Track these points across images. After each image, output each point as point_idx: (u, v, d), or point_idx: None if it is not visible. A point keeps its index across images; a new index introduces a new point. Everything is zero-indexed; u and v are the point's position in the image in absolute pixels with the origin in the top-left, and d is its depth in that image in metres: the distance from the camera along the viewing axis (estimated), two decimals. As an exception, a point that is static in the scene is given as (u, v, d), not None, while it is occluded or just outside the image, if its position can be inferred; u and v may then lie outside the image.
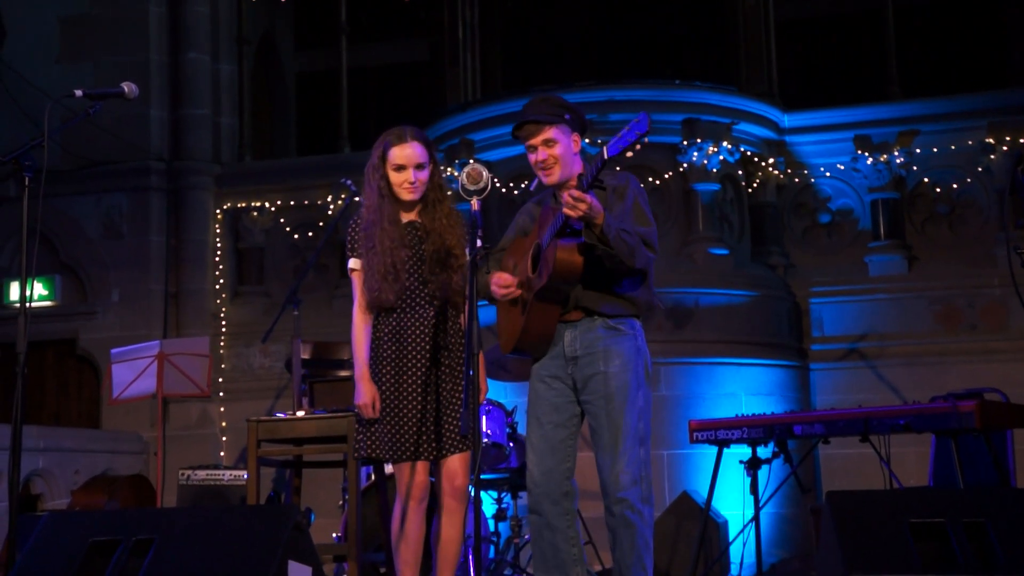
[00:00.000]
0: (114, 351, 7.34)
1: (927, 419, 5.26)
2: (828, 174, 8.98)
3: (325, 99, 10.79)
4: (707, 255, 8.35)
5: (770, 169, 8.87)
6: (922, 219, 8.86)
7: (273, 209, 9.87)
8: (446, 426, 4.25)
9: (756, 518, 6.01)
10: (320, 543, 4.65)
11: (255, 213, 9.87)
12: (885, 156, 8.70)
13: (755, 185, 8.87)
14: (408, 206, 4.36)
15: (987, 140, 8.55)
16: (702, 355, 8.09)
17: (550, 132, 4.15)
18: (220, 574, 3.61)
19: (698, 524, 6.21)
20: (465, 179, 3.90)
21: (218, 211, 9.93)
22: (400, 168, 4.29)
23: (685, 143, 8.39)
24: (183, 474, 7.45)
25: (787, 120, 8.93)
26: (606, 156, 3.78)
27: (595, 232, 3.91)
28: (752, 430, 5.71)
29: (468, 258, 3.87)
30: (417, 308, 4.29)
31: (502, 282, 4.19)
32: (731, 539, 6.87)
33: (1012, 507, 3.67)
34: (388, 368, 4.27)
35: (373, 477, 6.23)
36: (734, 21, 9.23)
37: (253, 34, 10.66)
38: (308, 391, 5.85)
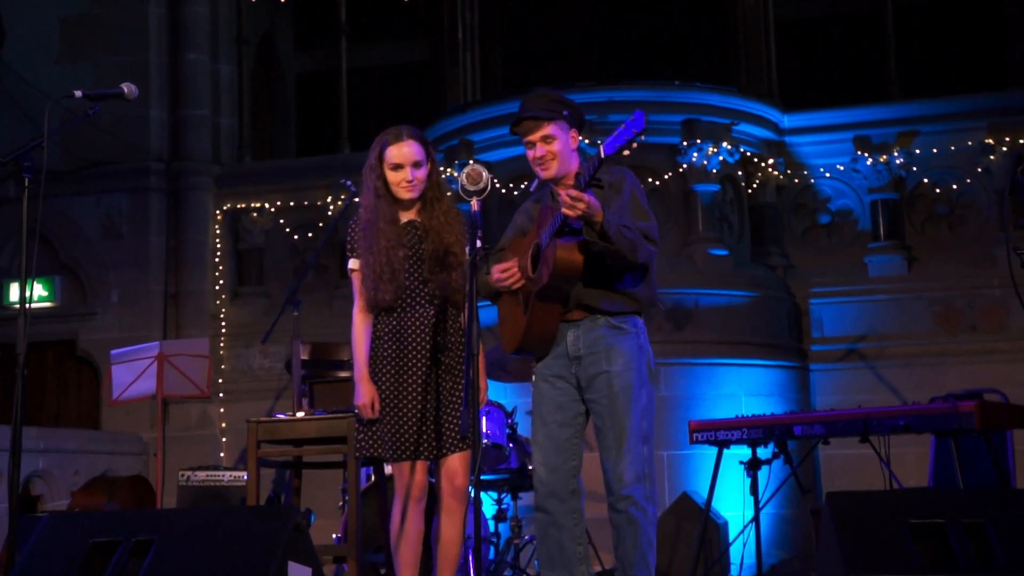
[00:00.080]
0: (114, 352, 7.34)
1: (927, 420, 5.26)
2: (828, 175, 8.98)
3: (325, 99, 10.79)
4: (707, 256, 8.35)
5: (770, 170, 8.87)
6: (922, 220, 8.87)
7: (273, 210, 9.87)
8: (446, 426, 4.25)
9: (756, 519, 6.01)
10: (320, 544, 4.65)
11: (255, 214, 9.87)
12: (885, 157, 8.71)
13: (755, 186, 8.87)
14: (407, 205, 4.36)
15: (987, 141, 8.55)
16: (702, 356, 8.09)
17: (548, 128, 4.16)
18: (220, 575, 3.61)
19: (698, 525, 6.20)
20: (465, 180, 3.90)
21: (218, 212, 9.92)
22: (397, 167, 4.29)
23: (685, 144, 8.39)
24: (183, 475, 7.44)
25: (787, 121, 8.93)
26: (603, 155, 3.79)
27: (595, 230, 3.91)
28: (752, 431, 5.71)
29: (468, 258, 3.87)
30: (417, 307, 4.29)
31: (501, 267, 4.20)
32: (731, 540, 6.87)
33: (1012, 508, 3.67)
34: (388, 368, 4.27)
35: (373, 478, 6.22)
36: (734, 21, 9.23)
37: (253, 34, 10.66)
38: (308, 392, 5.85)
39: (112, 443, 9.07)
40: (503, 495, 6.54)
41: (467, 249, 3.95)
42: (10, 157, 3.97)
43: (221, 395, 9.47)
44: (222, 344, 9.69)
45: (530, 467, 6.18)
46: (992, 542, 3.54)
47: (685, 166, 8.41)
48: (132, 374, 7.11)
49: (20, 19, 10.16)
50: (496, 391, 7.18)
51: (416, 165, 4.29)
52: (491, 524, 6.51)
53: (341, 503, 6.66)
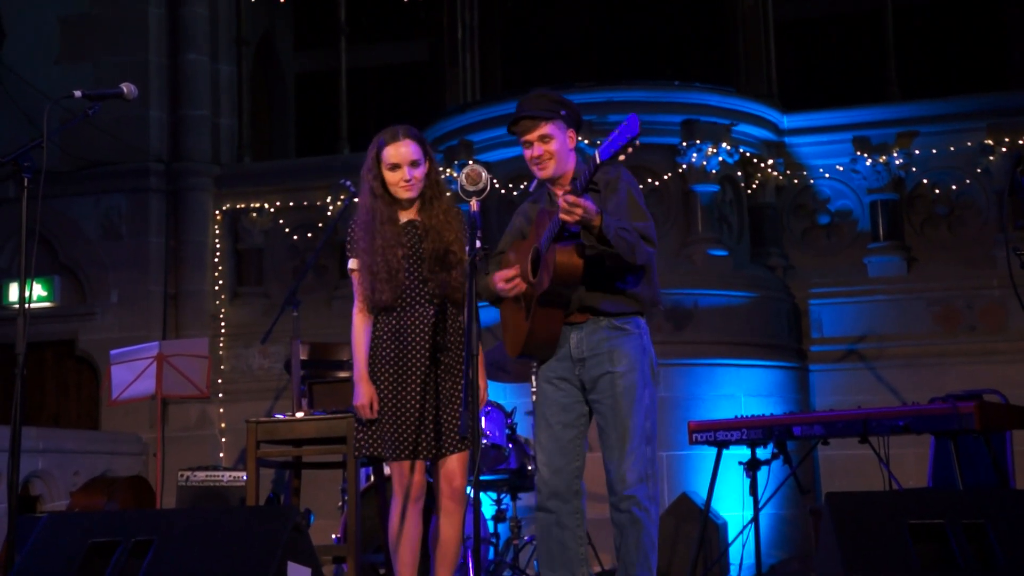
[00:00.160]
0: (113, 352, 7.34)
1: (926, 420, 5.26)
2: (827, 175, 8.98)
3: (324, 100, 10.79)
4: (706, 256, 8.35)
5: (769, 170, 8.87)
6: (921, 220, 8.87)
7: (272, 210, 9.87)
8: (445, 426, 4.25)
9: (755, 519, 6.01)
10: (319, 544, 4.65)
11: (254, 214, 9.87)
12: (884, 157, 8.71)
13: (754, 186, 8.87)
14: (407, 205, 4.36)
15: (986, 141, 8.56)
16: (701, 356, 8.09)
17: (546, 128, 4.16)
18: (219, 575, 3.61)
19: (697, 525, 6.20)
20: (464, 180, 3.90)
21: (217, 212, 9.92)
22: (395, 167, 4.29)
23: (684, 144, 8.39)
24: (182, 475, 7.45)
25: (786, 121, 8.93)
26: (598, 160, 3.80)
27: (593, 234, 3.91)
28: (751, 431, 5.70)
29: (468, 258, 3.87)
30: (417, 307, 4.29)
31: (505, 276, 4.20)
32: (730, 540, 6.87)
33: (1011, 508, 3.67)
34: (388, 368, 4.27)
35: (372, 478, 6.22)
36: (733, 22, 9.23)
37: (252, 35, 10.66)
38: (307, 392, 5.85)
39: (111, 443, 9.07)
40: (502, 495, 6.54)
41: (467, 249, 3.95)
42: (10, 157, 3.96)
43: (220, 395, 9.47)
44: (221, 344, 9.69)
45: (530, 468, 6.18)
46: (992, 543, 3.54)
47: (684, 166, 8.42)
48: (131, 374, 7.11)
49: (20, 19, 10.15)
50: (495, 391, 7.18)
51: (414, 164, 4.29)
52: (490, 524, 6.51)
53: (340, 503, 6.65)
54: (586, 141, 7.98)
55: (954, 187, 8.73)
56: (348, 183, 5.57)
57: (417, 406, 4.24)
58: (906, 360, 8.42)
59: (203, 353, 7.28)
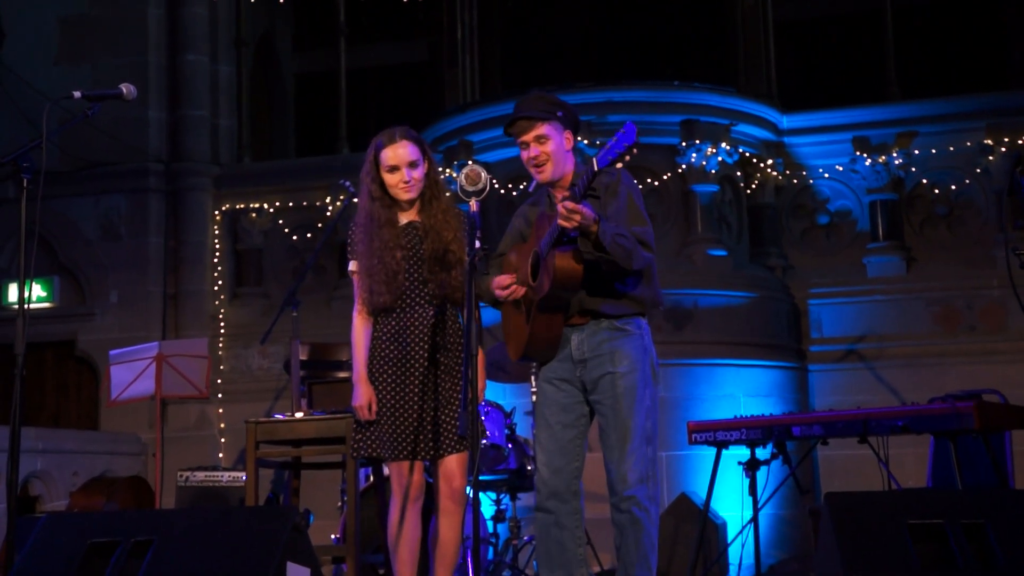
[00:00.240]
0: (113, 352, 7.33)
1: (926, 420, 5.26)
2: (827, 175, 8.99)
3: (324, 100, 10.79)
4: (706, 256, 8.35)
5: (769, 170, 8.87)
6: (920, 220, 8.87)
7: (272, 210, 9.86)
8: (444, 426, 4.25)
9: (755, 519, 6.01)
10: (319, 544, 4.65)
11: (254, 214, 9.87)
12: (884, 157, 8.71)
13: (754, 186, 8.87)
14: (407, 206, 4.36)
15: (986, 141, 8.56)
16: (701, 356, 8.09)
17: (542, 128, 4.16)
18: (219, 575, 3.61)
19: (697, 525, 6.20)
20: (464, 180, 3.90)
21: (216, 212, 9.92)
22: (393, 169, 4.29)
23: (684, 144, 8.39)
24: (182, 475, 7.45)
25: (786, 121, 8.93)
26: (596, 168, 3.80)
27: (591, 240, 3.92)
28: (751, 431, 5.70)
29: (467, 258, 3.87)
30: (416, 308, 4.29)
31: (502, 283, 4.21)
32: (730, 540, 6.87)
33: (1011, 508, 3.67)
34: (388, 369, 4.28)
35: (372, 479, 6.22)
36: (733, 22, 9.23)
37: (252, 35, 10.66)
38: (307, 392, 5.84)
39: (111, 443, 9.07)
40: (502, 496, 6.54)
41: (466, 250, 3.95)
42: (9, 158, 3.96)
43: (220, 395, 9.47)
44: (221, 344, 9.68)
45: (529, 468, 6.18)
46: (991, 542, 3.54)
47: (684, 166, 8.42)
48: (131, 374, 7.11)
49: (20, 19, 10.16)
50: (495, 392, 7.19)
51: (412, 165, 4.30)
52: (490, 525, 6.51)
53: (340, 503, 6.66)
54: (585, 141, 7.98)
55: (953, 187, 8.73)
56: (347, 183, 5.57)
57: (416, 407, 4.24)
58: (906, 360, 8.42)
59: (202, 353, 7.28)
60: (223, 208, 9.92)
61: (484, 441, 6.02)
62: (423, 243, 4.31)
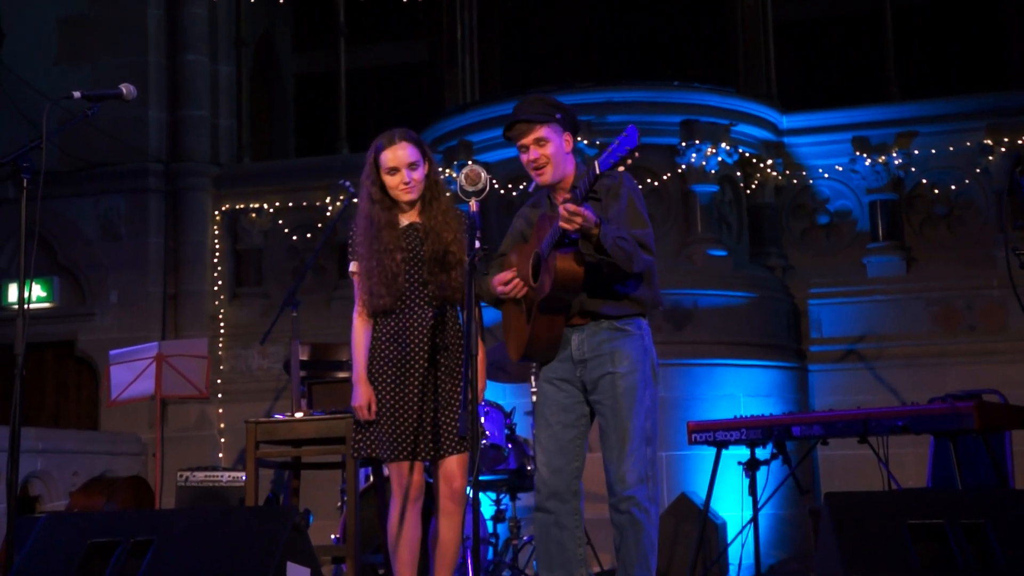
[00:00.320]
0: (112, 352, 7.34)
1: (926, 420, 5.26)
2: (826, 175, 8.99)
3: (324, 100, 10.79)
4: (706, 256, 8.35)
5: (768, 170, 8.87)
6: (920, 220, 8.87)
7: (271, 210, 9.86)
8: (444, 427, 4.25)
9: (755, 519, 6.01)
10: (318, 544, 4.65)
11: (253, 214, 9.87)
12: (883, 157, 8.71)
13: (753, 186, 8.87)
14: (407, 208, 4.36)
15: (985, 141, 8.56)
16: (701, 356, 8.09)
17: (541, 131, 4.15)
18: (219, 575, 3.61)
19: (697, 525, 6.20)
20: (463, 180, 3.90)
21: (216, 213, 9.92)
22: (393, 171, 4.29)
23: (684, 144, 8.39)
24: (181, 475, 7.45)
25: (785, 121, 8.93)
26: (597, 171, 3.80)
27: (591, 243, 3.93)
28: (751, 431, 5.70)
29: (467, 258, 3.87)
30: (416, 309, 4.29)
31: (504, 279, 4.21)
32: (730, 540, 6.87)
33: (1011, 508, 3.67)
34: (388, 370, 4.28)
35: (372, 479, 6.22)
36: (733, 22, 9.23)
37: (251, 35, 10.66)
38: (306, 392, 5.84)
39: (111, 444, 9.07)
40: (502, 496, 6.54)
41: (466, 250, 3.95)
42: (9, 158, 3.96)
43: (220, 396, 9.47)
44: (221, 345, 9.68)
45: (529, 468, 6.18)
46: (991, 543, 3.54)
47: (684, 167, 8.42)
48: (131, 374, 7.11)
49: (19, 20, 10.16)
50: (495, 392, 7.18)
51: (412, 166, 4.29)
52: (489, 525, 6.51)
53: (340, 504, 6.65)
54: (585, 142, 7.98)
55: (953, 187, 8.73)
56: (347, 184, 5.57)
57: (416, 407, 4.24)
58: (905, 360, 8.42)
59: (202, 353, 7.28)
60: (223, 208, 9.92)
61: (484, 441, 6.02)
62: (423, 244, 4.30)
